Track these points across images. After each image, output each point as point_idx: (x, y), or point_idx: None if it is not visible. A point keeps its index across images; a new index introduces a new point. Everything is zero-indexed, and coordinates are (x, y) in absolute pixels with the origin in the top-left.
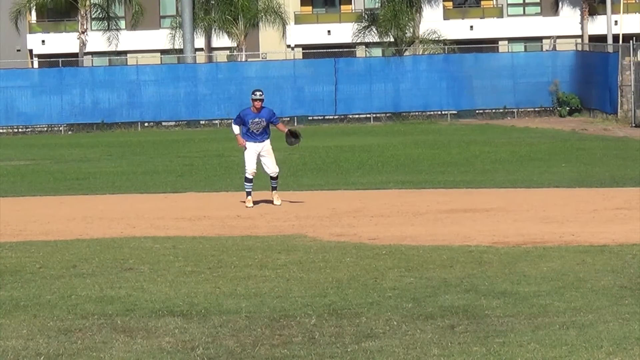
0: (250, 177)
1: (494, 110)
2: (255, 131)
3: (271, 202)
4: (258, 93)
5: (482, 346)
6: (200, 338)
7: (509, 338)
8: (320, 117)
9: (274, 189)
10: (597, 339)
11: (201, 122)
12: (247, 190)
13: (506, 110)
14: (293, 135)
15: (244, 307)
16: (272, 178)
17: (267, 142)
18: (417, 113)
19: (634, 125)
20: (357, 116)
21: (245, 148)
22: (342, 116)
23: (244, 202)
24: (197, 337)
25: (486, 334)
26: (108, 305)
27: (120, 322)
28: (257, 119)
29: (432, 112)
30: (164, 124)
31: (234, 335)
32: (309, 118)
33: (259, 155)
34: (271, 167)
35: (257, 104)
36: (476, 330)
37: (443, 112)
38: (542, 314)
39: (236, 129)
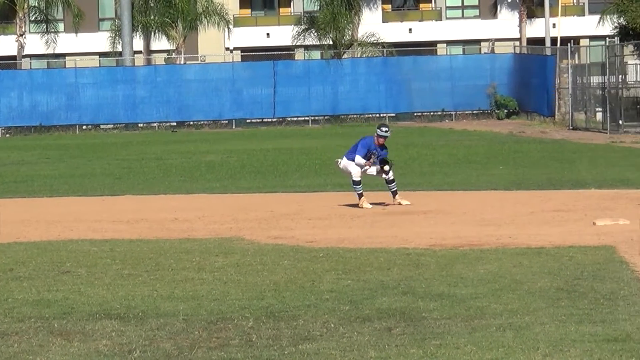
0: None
1: (432, 113)
2: (367, 159)
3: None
4: (384, 129)
5: (419, 348)
6: (138, 341)
7: (445, 340)
8: (258, 120)
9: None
10: (533, 340)
11: (139, 125)
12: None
13: (444, 112)
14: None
15: (182, 309)
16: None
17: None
18: (355, 115)
19: (571, 127)
20: (295, 119)
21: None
22: (281, 119)
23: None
24: (134, 340)
25: (423, 336)
26: (45, 309)
27: (57, 325)
28: (375, 152)
29: (370, 115)
30: (102, 126)
31: (171, 338)
32: (247, 121)
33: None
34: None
35: (382, 140)
36: (413, 333)
37: (381, 115)
38: (479, 316)
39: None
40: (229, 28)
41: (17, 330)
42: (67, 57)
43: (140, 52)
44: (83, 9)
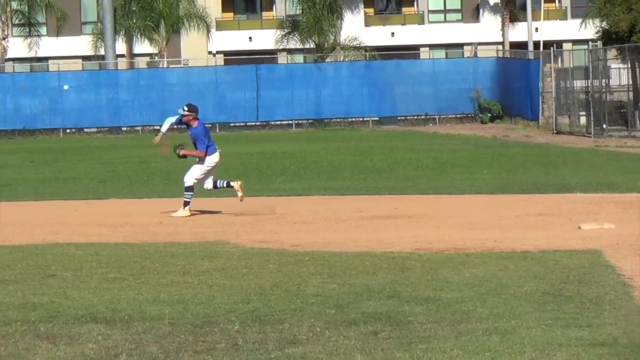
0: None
1: (415, 117)
2: None
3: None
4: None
5: (406, 352)
6: (124, 345)
7: (432, 344)
8: (242, 124)
9: (185, 202)
10: (519, 345)
11: (123, 128)
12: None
13: (428, 116)
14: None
15: (167, 313)
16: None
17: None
18: (338, 119)
19: (555, 131)
20: (278, 122)
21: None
22: (264, 122)
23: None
24: (120, 344)
25: (409, 340)
26: (31, 312)
27: (44, 328)
28: (188, 132)
29: (353, 119)
30: (85, 130)
31: (157, 342)
32: (231, 124)
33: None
34: (186, 175)
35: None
36: (399, 337)
37: (365, 119)
38: (464, 320)
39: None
40: (208, 31)
41: (3, 333)
42: (50, 61)
43: (123, 55)
44: (66, 13)
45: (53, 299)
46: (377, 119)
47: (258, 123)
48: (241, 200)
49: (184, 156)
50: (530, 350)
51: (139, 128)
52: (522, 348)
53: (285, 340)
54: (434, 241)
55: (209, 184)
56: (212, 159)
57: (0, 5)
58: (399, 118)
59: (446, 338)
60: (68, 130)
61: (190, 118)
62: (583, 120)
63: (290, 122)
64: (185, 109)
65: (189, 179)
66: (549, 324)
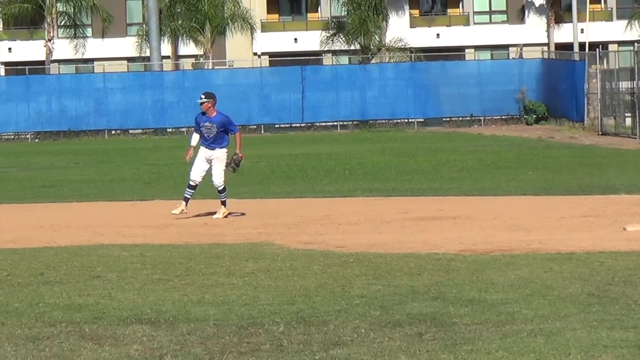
0: (192, 184)
1: (460, 118)
2: (206, 135)
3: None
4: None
5: (450, 354)
6: (169, 346)
7: (476, 345)
8: (287, 125)
9: (222, 202)
10: (564, 346)
11: (168, 129)
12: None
13: (473, 118)
14: (235, 163)
15: (212, 314)
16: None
17: (218, 150)
18: (384, 121)
19: (600, 133)
20: (324, 124)
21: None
22: (309, 124)
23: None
24: (165, 345)
25: (454, 342)
26: (76, 313)
27: (88, 329)
28: (207, 124)
29: (399, 120)
30: (130, 131)
31: (202, 343)
32: (276, 126)
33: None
34: (215, 178)
35: (203, 107)
36: (444, 338)
37: (410, 120)
38: (509, 322)
39: (194, 138)
40: (252, 33)
41: (48, 334)
42: (95, 62)
43: (168, 57)
44: (111, 14)
45: (98, 300)
46: (422, 120)
47: (303, 124)
48: (172, 212)
49: (240, 159)
50: (575, 352)
51: (184, 129)
52: (567, 350)
53: (330, 341)
54: (478, 242)
55: (200, 176)
56: (225, 151)
57: (46, 7)
58: (444, 119)
59: (491, 339)
60: (113, 132)
61: (210, 105)
62: (628, 121)
63: (335, 123)
64: (203, 96)
65: (219, 181)
66: (594, 325)
